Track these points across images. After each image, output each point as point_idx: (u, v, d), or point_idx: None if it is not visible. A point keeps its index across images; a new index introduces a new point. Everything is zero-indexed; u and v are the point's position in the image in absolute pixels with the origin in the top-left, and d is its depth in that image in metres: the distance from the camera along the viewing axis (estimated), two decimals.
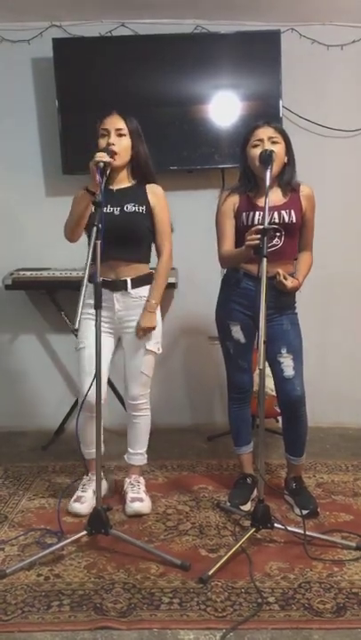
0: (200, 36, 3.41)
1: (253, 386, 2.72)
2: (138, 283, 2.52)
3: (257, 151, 2.41)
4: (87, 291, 2.36)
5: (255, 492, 2.51)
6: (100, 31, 3.42)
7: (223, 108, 3.36)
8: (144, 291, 2.54)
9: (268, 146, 2.40)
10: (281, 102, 3.34)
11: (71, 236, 2.46)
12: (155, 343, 2.59)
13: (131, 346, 2.58)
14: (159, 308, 2.59)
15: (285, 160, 2.48)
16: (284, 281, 2.46)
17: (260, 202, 2.46)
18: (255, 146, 2.43)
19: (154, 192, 2.54)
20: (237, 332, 2.59)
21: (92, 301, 2.19)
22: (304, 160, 3.48)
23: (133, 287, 2.51)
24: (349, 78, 3.47)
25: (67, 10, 3.32)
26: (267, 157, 2.34)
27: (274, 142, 2.43)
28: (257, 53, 3.31)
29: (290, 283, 2.48)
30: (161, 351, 2.63)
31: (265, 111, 3.32)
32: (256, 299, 2.35)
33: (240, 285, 2.55)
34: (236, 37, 3.34)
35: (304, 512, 2.52)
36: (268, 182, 2.29)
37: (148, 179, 2.54)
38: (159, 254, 2.59)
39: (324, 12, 3.33)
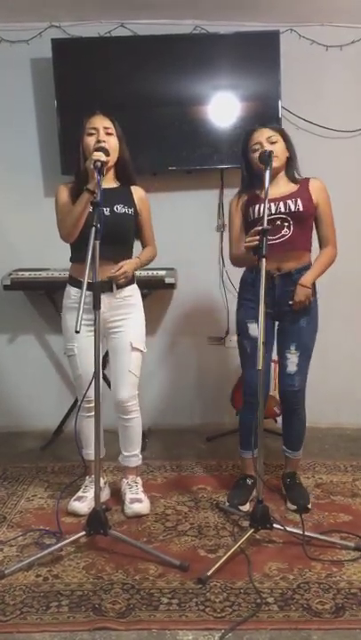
0: (199, 37, 3.41)
1: (270, 389, 2.73)
2: (122, 283, 2.53)
3: (258, 155, 2.46)
4: (76, 294, 2.35)
5: (254, 493, 2.51)
6: (100, 31, 3.41)
7: (222, 108, 3.36)
8: (128, 291, 2.56)
9: (266, 147, 2.46)
10: (280, 103, 3.33)
11: (70, 237, 2.45)
12: (140, 341, 2.59)
13: (117, 346, 2.58)
14: (142, 308, 2.63)
15: (288, 154, 2.54)
16: (296, 300, 2.51)
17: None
18: (255, 150, 2.49)
19: (139, 194, 2.58)
20: (255, 330, 2.56)
21: (76, 305, 2.17)
22: (303, 160, 3.48)
23: (118, 287, 2.52)
24: (348, 79, 3.48)
25: (66, 10, 3.32)
26: (266, 158, 2.37)
27: (272, 142, 2.48)
28: (256, 54, 3.31)
29: (298, 297, 2.50)
30: (146, 350, 2.63)
31: (264, 112, 3.33)
32: (273, 296, 2.48)
33: (255, 285, 2.54)
34: (235, 38, 3.34)
35: (293, 507, 2.57)
36: (267, 183, 2.32)
37: (131, 180, 2.58)
38: (147, 246, 2.66)
39: (323, 13, 3.33)
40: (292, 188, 2.55)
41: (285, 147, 2.53)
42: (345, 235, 3.58)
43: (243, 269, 2.69)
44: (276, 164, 2.45)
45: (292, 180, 2.56)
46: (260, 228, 2.23)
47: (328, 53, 3.44)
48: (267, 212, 2.28)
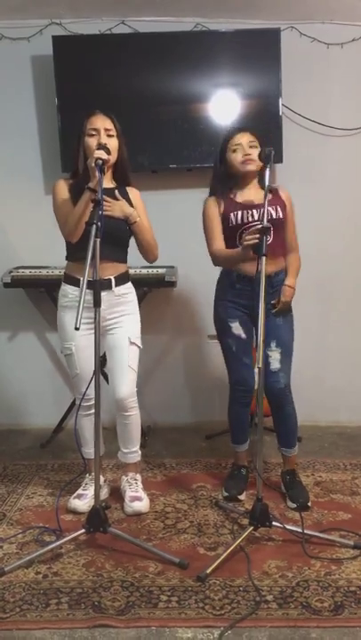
0: (200, 34, 3.41)
1: (255, 383, 2.74)
2: (120, 281, 2.54)
3: (237, 156, 2.52)
4: (73, 292, 2.34)
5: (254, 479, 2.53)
6: (100, 29, 3.41)
7: (223, 106, 3.35)
8: (125, 288, 2.57)
9: (247, 150, 2.51)
10: (281, 100, 3.33)
11: (73, 236, 2.45)
12: (137, 337, 2.59)
13: (115, 342, 2.58)
14: (137, 305, 2.63)
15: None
16: (283, 300, 2.57)
17: (242, 200, 2.56)
18: (235, 151, 2.53)
19: (135, 195, 2.59)
20: (238, 329, 2.63)
21: (73, 303, 2.16)
22: (304, 158, 3.51)
23: (117, 285, 2.52)
24: (349, 77, 3.47)
25: (67, 7, 3.32)
26: (267, 156, 2.35)
27: (252, 147, 2.53)
28: (257, 51, 3.31)
29: (286, 297, 2.57)
30: (142, 347, 2.63)
31: (265, 109, 3.33)
32: (252, 298, 2.45)
33: (235, 287, 2.60)
34: (235, 35, 3.33)
35: (293, 505, 2.59)
36: (267, 181, 2.32)
37: (127, 180, 2.58)
38: None
39: (324, 11, 3.33)
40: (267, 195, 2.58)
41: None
42: (345, 233, 3.61)
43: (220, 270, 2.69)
44: (253, 167, 2.51)
45: (263, 188, 2.57)
46: (260, 226, 2.23)
47: (329, 51, 3.44)
48: (266, 211, 2.28)
